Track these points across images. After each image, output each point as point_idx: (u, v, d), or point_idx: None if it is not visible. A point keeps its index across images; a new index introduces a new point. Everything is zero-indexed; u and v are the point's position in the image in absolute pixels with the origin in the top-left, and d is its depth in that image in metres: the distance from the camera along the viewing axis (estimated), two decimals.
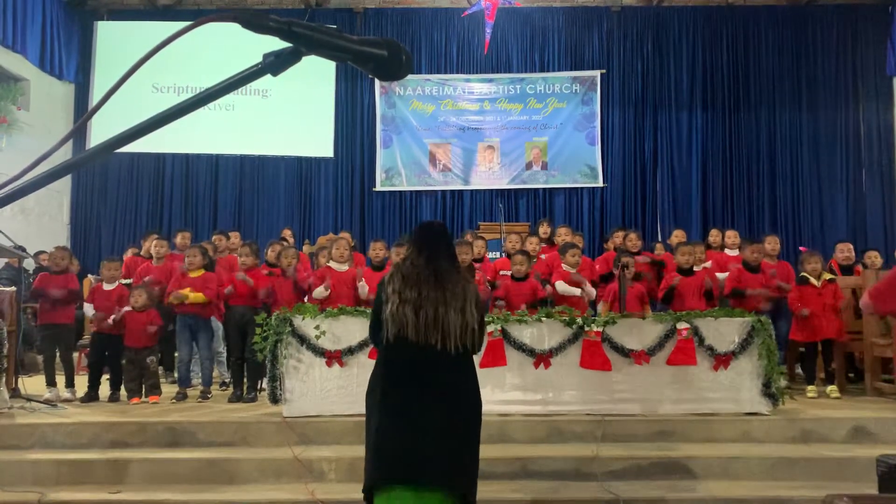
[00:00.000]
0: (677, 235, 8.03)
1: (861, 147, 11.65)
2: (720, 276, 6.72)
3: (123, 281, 6.96)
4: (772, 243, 6.96)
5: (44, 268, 7.91)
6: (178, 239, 7.46)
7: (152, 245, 7.06)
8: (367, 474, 2.86)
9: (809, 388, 6.13)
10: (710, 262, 7.01)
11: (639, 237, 7.32)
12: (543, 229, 8.14)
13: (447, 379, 2.88)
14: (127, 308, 6.12)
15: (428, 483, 2.73)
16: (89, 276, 8.61)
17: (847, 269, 7.03)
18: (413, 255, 3.03)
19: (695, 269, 6.54)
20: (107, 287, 6.32)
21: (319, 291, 6.08)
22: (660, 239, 10.55)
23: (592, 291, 6.52)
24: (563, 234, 7.74)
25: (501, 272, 6.61)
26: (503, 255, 7.63)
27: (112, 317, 6.08)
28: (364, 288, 6.12)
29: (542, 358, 5.14)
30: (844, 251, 7.14)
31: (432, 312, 2.83)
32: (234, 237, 7.94)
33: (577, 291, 6.30)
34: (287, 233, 9.12)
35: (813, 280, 6.20)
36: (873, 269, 6.98)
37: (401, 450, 2.77)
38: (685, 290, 6.21)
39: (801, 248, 7.67)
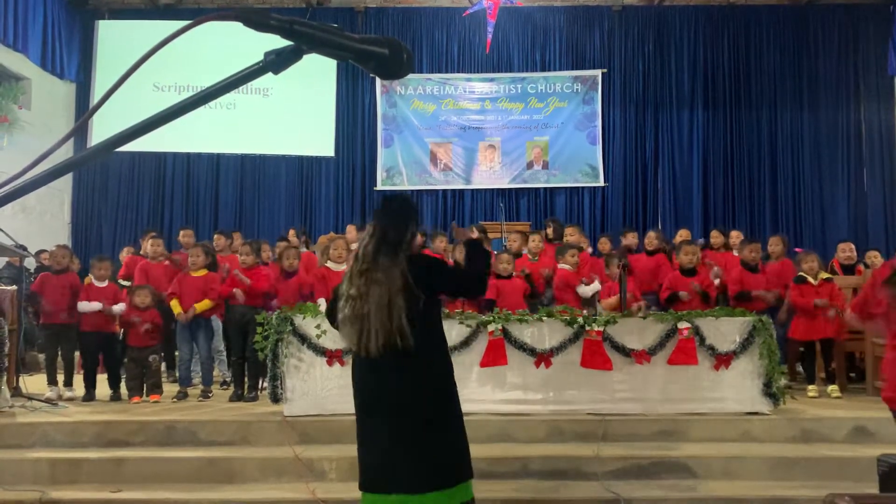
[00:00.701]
0: (682, 235, 8.01)
1: (862, 146, 11.66)
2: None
3: (123, 282, 6.98)
4: (774, 244, 6.93)
5: (45, 266, 7.91)
6: (182, 237, 7.48)
7: (149, 244, 7.07)
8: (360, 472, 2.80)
9: (810, 387, 6.12)
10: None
11: (657, 236, 7.33)
12: (549, 230, 8.10)
13: (391, 388, 2.67)
14: (122, 305, 6.14)
15: (403, 491, 2.64)
16: (90, 274, 8.60)
17: (849, 269, 7.02)
18: (364, 242, 2.73)
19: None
20: (100, 284, 6.31)
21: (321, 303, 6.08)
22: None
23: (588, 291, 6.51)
24: (570, 234, 7.71)
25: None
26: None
27: (114, 308, 6.10)
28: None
29: (542, 357, 5.13)
30: (846, 251, 7.13)
31: (358, 317, 2.62)
32: (236, 237, 7.94)
33: (592, 289, 6.31)
34: (292, 233, 9.14)
35: (810, 279, 6.20)
36: (874, 268, 6.96)
37: (372, 464, 2.70)
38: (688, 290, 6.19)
39: (796, 250, 7.66)
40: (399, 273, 2.64)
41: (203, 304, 6.15)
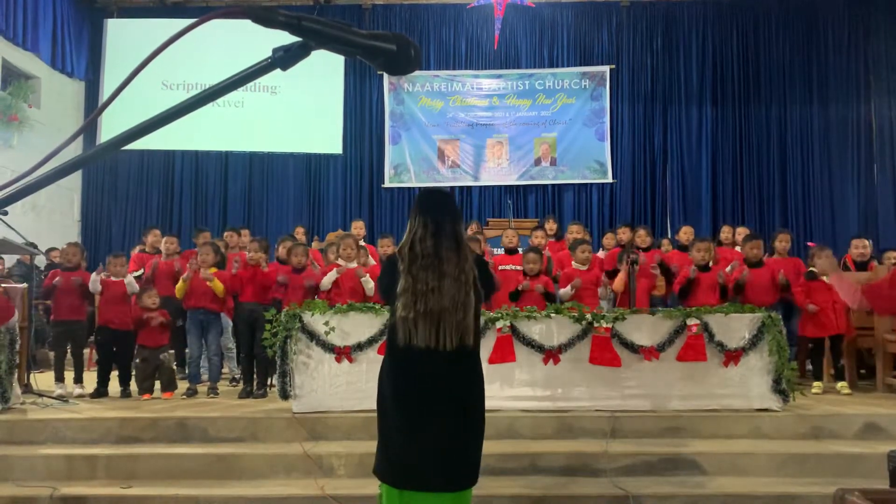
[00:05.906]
0: (685, 232, 7.95)
1: (873, 141, 11.57)
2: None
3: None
4: (783, 241, 6.87)
5: (55, 264, 7.95)
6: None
7: (162, 242, 7.09)
8: (377, 465, 2.77)
9: (815, 384, 6.10)
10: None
11: (648, 233, 7.29)
12: (549, 225, 8.08)
13: (453, 385, 2.68)
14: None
15: (434, 489, 2.64)
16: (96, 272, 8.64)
17: (862, 266, 6.92)
18: (419, 235, 2.71)
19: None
20: (115, 279, 6.35)
21: (329, 278, 6.11)
22: (668, 235, 10.50)
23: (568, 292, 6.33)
24: (575, 232, 7.68)
25: (500, 267, 6.55)
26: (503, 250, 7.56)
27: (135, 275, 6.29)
28: (369, 284, 6.10)
29: (551, 354, 5.13)
30: (860, 247, 6.94)
31: (437, 313, 2.60)
32: (245, 234, 7.96)
33: (570, 292, 6.21)
34: (300, 230, 9.14)
35: (822, 276, 6.16)
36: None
37: (409, 460, 2.65)
38: (700, 286, 6.15)
39: (809, 244, 7.60)
40: (469, 267, 2.69)
41: (216, 284, 6.18)
